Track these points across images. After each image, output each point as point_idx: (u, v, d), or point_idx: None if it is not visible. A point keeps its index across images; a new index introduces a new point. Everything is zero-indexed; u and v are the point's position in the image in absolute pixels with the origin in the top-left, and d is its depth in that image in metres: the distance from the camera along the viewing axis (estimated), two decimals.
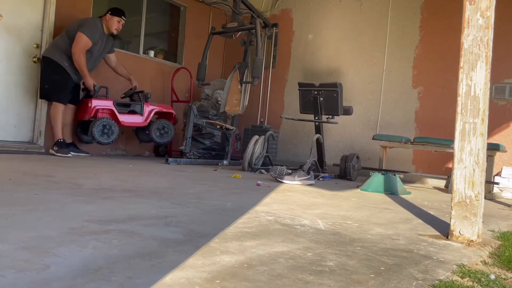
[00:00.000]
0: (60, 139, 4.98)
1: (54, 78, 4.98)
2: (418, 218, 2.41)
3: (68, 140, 5.19)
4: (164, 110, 5.78)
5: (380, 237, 1.78)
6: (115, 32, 5.29)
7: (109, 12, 5.21)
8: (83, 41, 4.94)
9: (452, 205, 1.84)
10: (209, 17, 7.44)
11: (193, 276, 1.08)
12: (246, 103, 6.02)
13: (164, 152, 6.54)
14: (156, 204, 2.13)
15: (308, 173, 3.99)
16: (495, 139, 4.96)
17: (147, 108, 5.51)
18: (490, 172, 4.42)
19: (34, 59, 5.35)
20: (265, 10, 7.19)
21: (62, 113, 5.02)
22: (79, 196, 2.20)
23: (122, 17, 5.27)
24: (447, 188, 4.47)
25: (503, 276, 1.37)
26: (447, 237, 1.85)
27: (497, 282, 1.27)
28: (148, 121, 5.51)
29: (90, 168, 3.86)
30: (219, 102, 6.25)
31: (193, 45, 7.20)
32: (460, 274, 1.32)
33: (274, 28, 6.69)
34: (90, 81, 5.06)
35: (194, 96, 7.10)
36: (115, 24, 5.21)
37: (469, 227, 1.79)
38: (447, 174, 4.77)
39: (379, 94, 6.10)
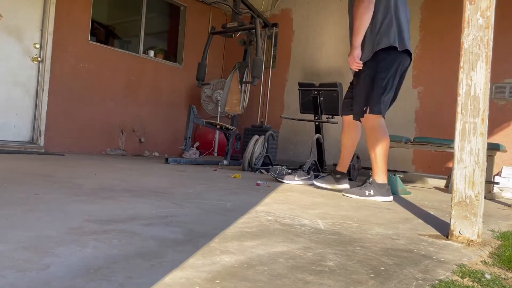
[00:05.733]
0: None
1: None
2: (418, 218, 2.41)
3: None
4: None
5: (380, 237, 1.78)
6: None
7: None
8: None
9: (452, 205, 1.84)
10: (209, 17, 7.45)
11: (193, 276, 1.08)
12: (246, 103, 6.02)
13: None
14: (156, 204, 2.12)
15: (308, 173, 3.99)
16: (495, 139, 4.96)
17: None
18: (490, 172, 4.42)
19: (34, 59, 5.36)
20: (265, 10, 7.19)
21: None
22: (79, 196, 2.20)
23: None
24: (447, 188, 4.47)
25: (503, 276, 1.37)
26: (447, 237, 1.85)
27: (497, 282, 1.27)
28: None
29: (90, 168, 3.86)
30: (219, 102, 6.26)
31: (193, 45, 7.21)
32: (460, 274, 1.31)
33: (274, 28, 6.70)
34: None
35: (194, 96, 7.10)
36: None
37: (469, 227, 1.79)
38: (447, 174, 4.77)
39: None
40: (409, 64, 3.22)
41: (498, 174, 5.06)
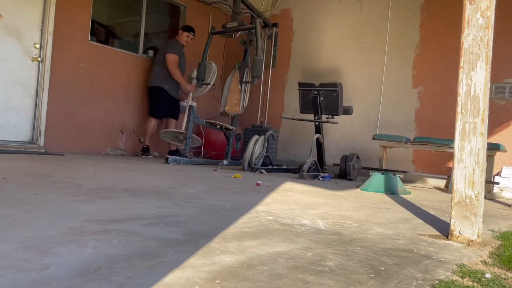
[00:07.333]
0: (146, 146, 6.16)
1: (162, 99, 6.08)
2: (418, 218, 2.41)
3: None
4: None
5: (380, 237, 1.78)
6: (184, 44, 6.26)
7: (181, 29, 6.31)
8: (171, 59, 5.96)
9: (452, 205, 1.84)
10: (209, 17, 7.44)
11: (193, 276, 1.08)
12: (246, 103, 6.02)
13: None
14: (156, 204, 2.12)
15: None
16: (495, 139, 4.96)
17: None
18: (490, 172, 4.42)
19: (34, 59, 5.36)
20: (265, 10, 7.19)
21: (154, 125, 6.19)
22: (79, 196, 2.20)
23: (191, 32, 6.24)
24: (447, 188, 4.47)
25: (503, 276, 1.37)
26: (447, 237, 1.85)
27: (497, 282, 1.27)
28: None
29: (90, 168, 3.86)
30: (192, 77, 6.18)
31: (193, 45, 7.20)
32: (460, 274, 1.31)
33: (274, 28, 6.69)
34: (189, 87, 6.05)
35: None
36: (184, 38, 6.23)
37: (469, 227, 1.79)
38: (447, 174, 4.77)
39: (379, 94, 6.09)
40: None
41: (498, 174, 5.06)
